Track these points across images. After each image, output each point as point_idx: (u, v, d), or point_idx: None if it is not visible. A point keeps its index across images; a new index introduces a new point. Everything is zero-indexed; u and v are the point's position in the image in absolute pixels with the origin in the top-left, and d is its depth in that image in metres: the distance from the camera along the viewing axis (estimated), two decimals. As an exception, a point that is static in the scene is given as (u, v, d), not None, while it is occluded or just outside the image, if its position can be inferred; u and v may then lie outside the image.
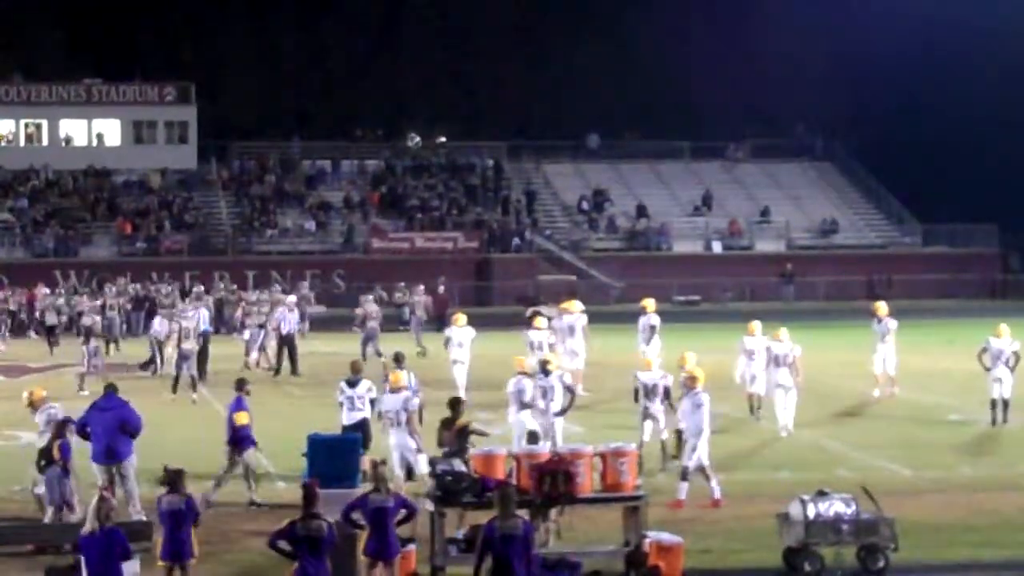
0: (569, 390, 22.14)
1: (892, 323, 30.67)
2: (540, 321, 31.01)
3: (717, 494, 19.64)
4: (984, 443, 25.10)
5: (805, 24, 75.18)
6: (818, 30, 75.71)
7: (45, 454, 18.13)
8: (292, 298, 38.32)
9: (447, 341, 30.85)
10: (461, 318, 31.29)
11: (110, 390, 19.58)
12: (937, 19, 69.06)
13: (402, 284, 51.99)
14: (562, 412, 21.86)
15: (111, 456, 18.68)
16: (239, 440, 19.95)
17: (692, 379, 20.25)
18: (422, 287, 45.33)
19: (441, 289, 49.58)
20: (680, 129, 73.04)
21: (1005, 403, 26.60)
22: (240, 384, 20.79)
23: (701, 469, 19.69)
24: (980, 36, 69.33)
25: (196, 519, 14.71)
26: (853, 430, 26.21)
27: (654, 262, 63.57)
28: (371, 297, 42.02)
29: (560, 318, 31.35)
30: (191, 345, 31.25)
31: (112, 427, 18.91)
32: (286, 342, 35.60)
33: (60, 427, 18.16)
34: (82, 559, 13.16)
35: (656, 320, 31.43)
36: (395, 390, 20.03)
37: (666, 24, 78.84)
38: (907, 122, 72.22)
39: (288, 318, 35.78)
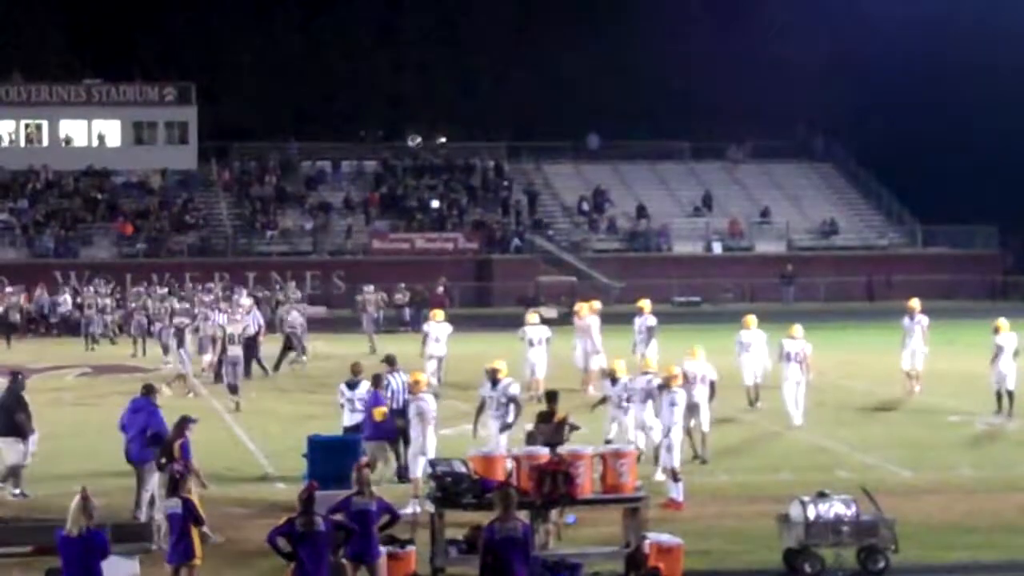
0: (514, 401, 21.02)
1: (924, 319, 30.98)
2: (533, 316, 31.51)
3: (673, 494, 19.52)
4: (984, 443, 25.11)
5: (805, 24, 75.21)
6: (818, 30, 75.72)
7: (166, 451, 18.10)
8: (248, 301, 37.52)
9: (425, 336, 31.23)
10: (439, 314, 32.03)
11: (145, 392, 19.63)
12: (937, 19, 69.05)
13: (401, 284, 52.13)
14: (506, 427, 20.84)
15: (136, 457, 18.70)
16: (386, 433, 19.94)
17: (672, 377, 20.34)
18: (371, 287, 45.52)
19: (440, 289, 49.71)
20: (680, 129, 73.05)
21: (1010, 395, 27.53)
22: (376, 380, 20.83)
23: (671, 469, 19.67)
24: (980, 36, 69.32)
25: (196, 520, 14.72)
26: (853, 431, 26.21)
27: (654, 263, 63.57)
28: (297, 295, 42.16)
29: (581, 318, 31.84)
30: (237, 351, 30.02)
31: (138, 430, 19.00)
32: (248, 343, 34.35)
33: (180, 425, 18.22)
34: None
35: (653, 321, 31.45)
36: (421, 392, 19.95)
37: (666, 24, 78.85)
38: (907, 122, 72.17)
39: (247, 319, 34.77)
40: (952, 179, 68.11)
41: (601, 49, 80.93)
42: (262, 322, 35.56)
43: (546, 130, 73.52)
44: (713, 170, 72.33)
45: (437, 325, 31.29)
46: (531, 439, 17.89)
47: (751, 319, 28.91)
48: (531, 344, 30.49)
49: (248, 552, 17.22)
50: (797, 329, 27.15)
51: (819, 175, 73.20)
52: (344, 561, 14.46)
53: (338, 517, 14.36)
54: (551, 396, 19.91)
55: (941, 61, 70.91)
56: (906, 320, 31.28)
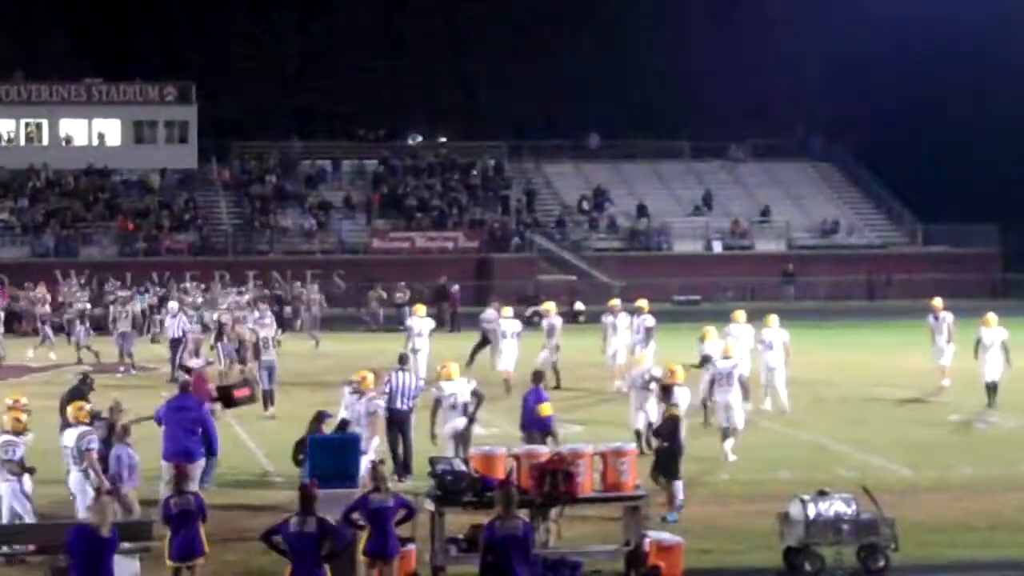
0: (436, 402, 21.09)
1: (949, 317, 31.17)
2: (506, 310, 32.71)
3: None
4: (984, 443, 25.11)
5: (805, 24, 75.21)
6: (818, 30, 75.72)
7: (301, 447, 18.30)
8: (174, 304, 37.47)
9: (408, 331, 32.12)
10: (421, 309, 33.06)
11: (184, 390, 19.56)
12: (937, 19, 69.05)
13: (401, 283, 52.24)
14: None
15: (185, 456, 18.65)
16: (544, 429, 19.98)
17: (672, 374, 20.44)
18: (317, 284, 45.85)
19: (455, 288, 50.16)
20: (680, 129, 73.05)
21: (994, 386, 28.70)
22: (538, 376, 20.98)
23: None
24: (981, 36, 69.34)
25: (204, 516, 14.78)
26: (853, 430, 26.23)
27: (654, 262, 63.59)
28: (189, 288, 41.90)
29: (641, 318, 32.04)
30: (272, 356, 29.35)
31: (187, 427, 18.99)
32: (172, 346, 34.48)
33: (318, 420, 18.38)
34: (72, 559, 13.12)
35: (651, 321, 31.44)
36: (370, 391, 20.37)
37: (666, 24, 78.87)
38: (907, 122, 72.21)
39: (172, 323, 34.89)
40: (952, 179, 68.10)
41: (601, 49, 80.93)
42: (187, 327, 35.32)
43: (546, 129, 73.55)
44: (713, 169, 72.33)
45: (419, 320, 32.24)
46: (530, 439, 17.89)
47: (739, 313, 29.62)
48: (503, 336, 31.62)
49: (249, 550, 17.24)
50: (773, 320, 28.39)
51: (819, 174, 73.19)
52: (362, 558, 14.53)
53: (355, 515, 14.54)
54: (666, 390, 20.29)
55: (941, 61, 70.91)
56: (931, 319, 31.51)
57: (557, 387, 31.02)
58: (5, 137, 68.47)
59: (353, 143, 73.41)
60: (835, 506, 16.34)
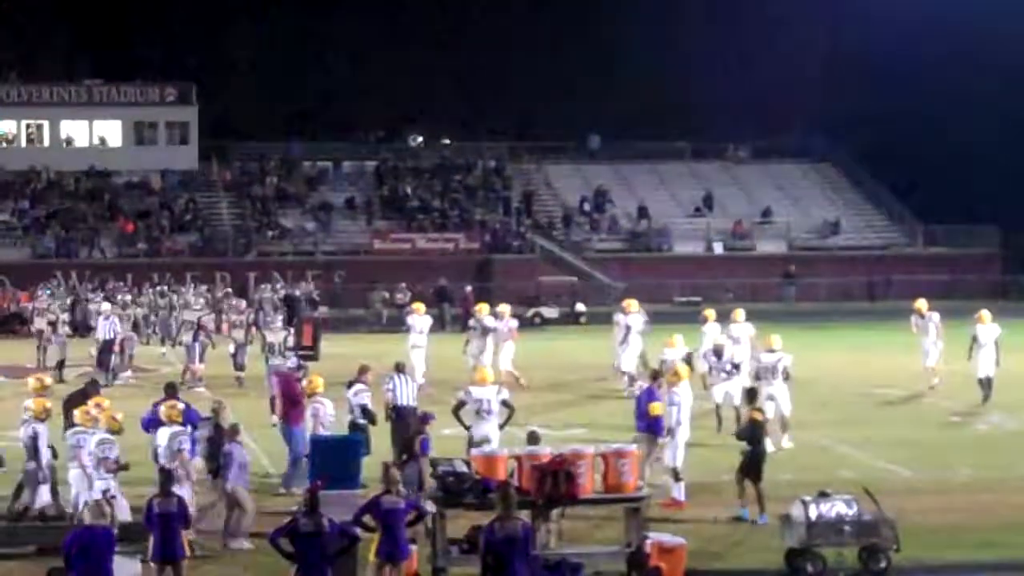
0: (506, 404, 20.62)
1: (936, 317, 31.48)
2: (484, 307, 33.08)
3: (675, 493, 19.72)
4: (984, 443, 25.14)
5: (805, 24, 75.17)
6: (818, 30, 75.69)
7: (406, 447, 18.50)
8: (107, 306, 37.48)
9: (408, 329, 32.88)
10: (421, 307, 33.83)
11: (169, 391, 19.67)
12: (937, 19, 69.03)
13: (403, 284, 52.29)
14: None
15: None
16: (655, 429, 20.07)
17: (675, 374, 20.48)
18: (269, 285, 46.10)
19: (468, 289, 50.81)
20: (680, 129, 73.00)
21: (989, 381, 29.27)
22: (655, 375, 21.27)
23: (673, 468, 19.77)
24: (980, 36, 69.29)
25: (187, 521, 14.81)
26: (854, 431, 26.24)
27: (655, 263, 63.56)
28: (100, 296, 41.71)
29: (625, 317, 31.98)
30: (278, 361, 28.87)
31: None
32: (103, 348, 34.39)
33: (423, 421, 18.59)
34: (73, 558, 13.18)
35: (634, 322, 31.35)
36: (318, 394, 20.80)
37: (666, 24, 78.83)
38: (907, 122, 72.11)
39: (103, 325, 34.74)
40: (952, 179, 68.05)
41: (601, 49, 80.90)
42: (118, 329, 35.16)
43: (547, 130, 73.52)
44: (713, 170, 72.28)
45: (419, 318, 32.89)
46: (532, 439, 17.84)
47: (710, 312, 30.43)
48: (486, 333, 31.97)
49: (251, 552, 17.25)
50: (740, 314, 28.89)
51: (819, 175, 73.17)
52: (376, 560, 14.56)
53: (366, 518, 14.60)
54: (753, 392, 20.65)
55: (941, 61, 70.88)
56: (915, 319, 31.82)
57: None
58: (6, 138, 68.45)
59: (354, 144, 73.40)
60: (836, 507, 16.36)
